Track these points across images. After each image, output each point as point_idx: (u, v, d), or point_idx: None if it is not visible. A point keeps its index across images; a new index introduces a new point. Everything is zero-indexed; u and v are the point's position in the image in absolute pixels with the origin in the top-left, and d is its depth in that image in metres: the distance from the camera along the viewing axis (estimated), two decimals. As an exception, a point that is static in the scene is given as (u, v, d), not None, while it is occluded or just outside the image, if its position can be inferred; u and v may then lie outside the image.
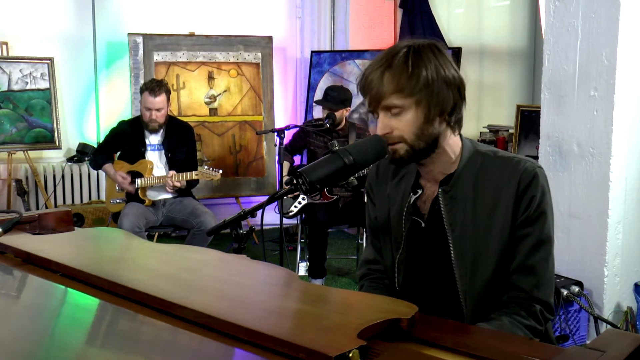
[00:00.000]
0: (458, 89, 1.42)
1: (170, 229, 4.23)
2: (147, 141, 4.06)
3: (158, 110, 3.93)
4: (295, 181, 1.36)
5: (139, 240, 1.65)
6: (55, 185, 5.06)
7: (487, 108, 5.52)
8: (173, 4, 5.39)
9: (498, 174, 1.45)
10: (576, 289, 2.94)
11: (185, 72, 5.18)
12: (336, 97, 4.14)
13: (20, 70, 4.77)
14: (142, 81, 4.87)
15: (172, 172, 3.88)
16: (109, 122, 4.92)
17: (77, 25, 5.15)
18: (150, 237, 4.63)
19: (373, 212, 1.65)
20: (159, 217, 4.04)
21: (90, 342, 1.05)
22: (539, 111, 3.26)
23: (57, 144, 4.90)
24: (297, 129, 4.29)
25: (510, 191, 1.42)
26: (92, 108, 5.28)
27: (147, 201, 3.99)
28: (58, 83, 5.00)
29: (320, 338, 0.95)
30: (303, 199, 3.96)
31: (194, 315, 1.07)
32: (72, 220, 1.81)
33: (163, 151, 4.08)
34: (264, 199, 1.56)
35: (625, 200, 3.01)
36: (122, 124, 4.18)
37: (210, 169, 3.92)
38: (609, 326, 2.93)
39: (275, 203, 3.49)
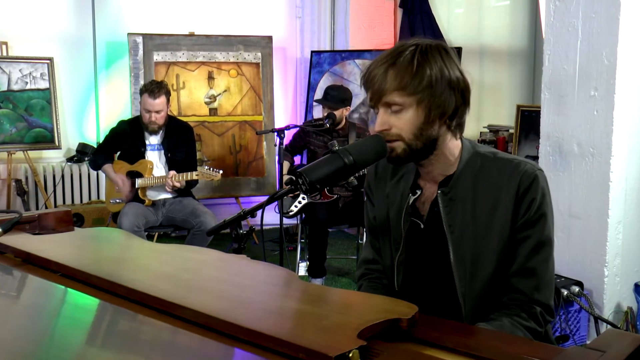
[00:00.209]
0: (462, 92, 1.41)
1: (170, 229, 4.23)
2: (146, 141, 4.06)
3: (157, 112, 3.93)
4: (295, 181, 1.36)
5: (139, 240, 1.64)
6: (55, 185, 5.06)
7: (487, 108, 5.52)
8: (173, 4, 5.39)
9: (498, 176, 1.44)
10: (576, 289, 2.94)
11: (185, 72, 5.18)
12: (336, 96, 4.14)
13: (20, 70, 4.77)
14: (142, 81, 4.87)
15: (172, 172, 3.88)
16: (108, 122, 4.92)
17: (77, 25, 5.15)
18: (150, 237, 4.63)
19: (372, 211, 1.65)
20: (158, 217, 4.04)
21: (90, 342, 1.05)
22: (539, 111, 3.26)
23: (57, 144, 4.90)
24: (297, 129, 4.28)
25: (510, 193, 1.41)
26: (91, 108, 5.28)
27: (147, 201, 3.99)
28: (58, 83, 5.00)
29: (320, 338, 0.95)
30: (303, 198, 3.95)
31: (193, 316, 1.06)
32: (71, 220, 1.81)
33: (163, 151, 4.07)
34: (264, 199, 1.55)
35: (626, 200, 3.01)
36: (121, 123, 4.17)
37: (211, 169, 3.92)
38: (609, 326, 2.93)
39: (275, 203, 3.49)
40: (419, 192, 1.52)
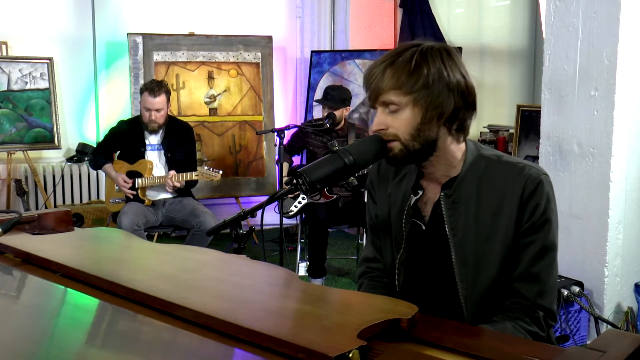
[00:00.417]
0: (463, 95, 1.39)
1: (170, 229, 4.23)
2: (146, 141, 4.06)
3: (157, 110, 3.93)
4: (295, 181, 1.36)
5: (139, 240, 1.64)
6: (54, 185, 5.06)
7: (487, 108, 5.52)
8: (173, 4, 5.39)
9: (502, 179, 1.43)
10: (577, 289, 2.94)
11: (185, 72, 5.18)
12: (336, 96, 4.14)
13: (19, 70, 4.77)
14: (141, 81, 4.87)
15: (172, 172, 3.88)
16: (108, 122, 4.92)
17: (76, 25, 5.15)
18: (150, 237, 4.63)
19: (374, 210, 1.64)
20: (158, 217, 4.04)
21: (90, 342, 1.05)
22: (540, 111, 3.26)
23: (57, 144, 4.90)
24: (296, 129, 4.28)
25: (515, 197, 1.40)
26: (91, 108, 5.28)
27: (146, 201, 3.99)
28: (58, 83, 5.00)
29: (320, 338, 0.95)
30: (303, 198, 3.96)
31: (193, 316, 1.06)
32: (71, 220, 1.81)
33: (162, 151, 4.07)
34: (264, 199, 1.55)
35: (626, 200, 3.01)
36: (121, 123, 4.17)
37: (211, 169, 3.91)
38: (609, 326, 2.93)
39: (275, 203, 3.49)
40: (420, 193, 1.51)
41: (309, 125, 4.25)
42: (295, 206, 3.94)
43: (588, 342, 3.06)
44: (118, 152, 4.20)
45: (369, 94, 1.42)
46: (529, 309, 1.41)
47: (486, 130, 5.20)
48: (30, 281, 1.36)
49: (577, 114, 3.05)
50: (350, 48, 5.63)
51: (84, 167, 5.12)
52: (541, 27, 4.78)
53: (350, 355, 0.90)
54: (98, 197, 5.22)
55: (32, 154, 4.86)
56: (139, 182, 3.96)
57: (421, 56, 1.37)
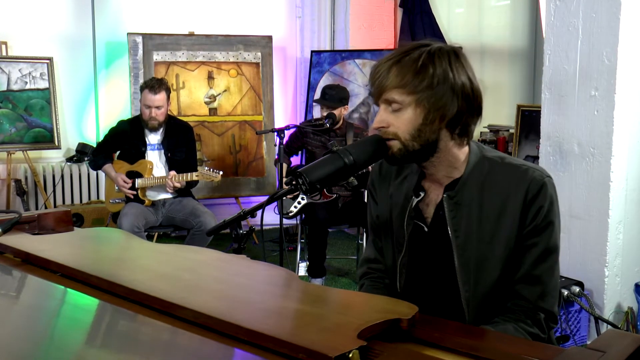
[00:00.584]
0: (467, 99, 1.38)
1: (170, 229, 4.23)
2: (147, 140, 4.05)
3: (158, 107, 3.93)
4: (295, 181, 1.36)
5: (139, 240, 1.64)
6: (54, 185, 5.06)
7: (487, 108, 5.44)
8: (173, 4, 5.39)
9: (505, 181, 1.42)
10: (577, 289, 2.93)
11: (185, 72, 5.18)
12: (334, 95, 4.14)
13: (19, 70, 4.77)
14: (141, 81, 4.86)
15: (172, 173, 3.88)
16: (108, 122, 4.91)
17: (76, 25, 5.15)
18: (149, 237, 4.63)
19: (375, 210, 1.63)
20: (158, 217, 4.04)
21: (89, 342, 1.05)
22: (540, 111, 3.26)
23: (57, 144, 4.90)
24: (295, 129, 4.28)
25: (518, 200, 1.39)
26: (91, 108, 5.28)
27: (146, 201, 3.99)
28: (57, 83, 4.99)
29: (320, 338, 0.95)
30: (302, 199, 3.95)
31: (193, 316, 1.06)
32: (71, 220, 1.81)
33: (163, 151, 4.07)
34: (263, 199, 1.55)
35: (626, 200, 3.01)
36: (121, 123, 4.17)
37: (211, 170, 3.91)
38: (609, 326, 2.92)
39: (275, 203, 3.48)
40: (422, 194, 1.50)
41: (309, 125, 4.24)
42: (295, 206, 3.93)
43: (588, 342, 3.06)
44: (118, 152, 4.20)
45: (373, 90, 1.42)
46: (530, 311, 1.40)
47: (486, 130, 5.20)
48: (30, 281, 1.36)
49: (577, 114, 3.04)
50: (350, 48, 5.63)
51: (84, 167, 5.12)
52: (541, 27, 4.78)
53: (350, 355, 0.90)
54: (98, 197, 5.22)
55: (32, 154, 4.86)
56: (139, 182, 3.96)
57: (428, 56, 1.36)
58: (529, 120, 4.67)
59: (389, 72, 1.37)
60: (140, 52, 5.02)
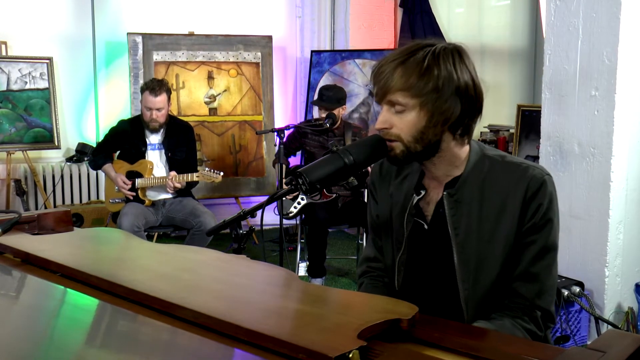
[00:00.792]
0: (470, 99, 1.37)
1: (170, 229, 4.23)
2: (147, 140, 4.05)
3: (159, 109, 3.93)
4: (295, 181, 1.36)
5: (139, 240, 1.64)
6: (54, 185, 5.05)
7: (487, 108, 5.44)
8: (172, 4, 5.39)
9: (505, 180, 1.42)
10: (577, 289, 2.93)
11: (185, 72, 5.17)
12: (332, 96, 4.14)
13: (19, 70, 4.77)
14: (141, 81, 4.87)
15: (173, 173, 3.88)
16: (108, 122, 4.91)
17: (76, 25, 5.15)
18: (149, 237, 4.62)
19: (375, 209, 1.63)
20: (158, 217, 4.04)
21: (89, 342, 1.04)
22: (540, 111, 3.26)
23: (56, 144, 4.89)
24: (292, 130, 4.27)
25: (518, 198, 1.39)
26: (91, 108, 5.28)
27: (146, 201, 3.99)
28: (57, 83, 4.99)
29: (320, 338, 0.95)
30: (302, 199, 3.94)
31: (193, 316, 1.06)
32: (71, 220, 1.81)
33: (163, 150, 4.07)
34: (263, 199, 1.55)
35: (627, 200, 3.00)
36: (122, 123, 4.17)
37: (212, 170, 3.91)
38: (609, 327, 2.92)
39: (275, 204, 3.48)
40: (423, 193, 1.50)
41: (308, 126, 4.24)
42: (295, 207, 3.92)
43: (588, 343, 3.05)
44: (118, 152, 4.20)
45: (376, 90, 1.41)
46: (527, 309, 1.41)
47: (486, 130, 5.20)
48: (29, 281, 1.35)
49: (577, 114, 3.04)
50: (350, 48, 5.63)
51: (84, 167, 5.12)
52: (541, 27, 4.78)
53: (351, 355, 0.90)
54: (98, 197, 5.22)
55: (32, 153, 4.85)
56: (139, 182, 3.95)
57: (433, 58, 1.35)
58: (529, 120, 4.67)
59: (394, 74, 1.36)
60: (140, 52, 5.02)
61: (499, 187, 1.42)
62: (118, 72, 5.26)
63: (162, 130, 4.05)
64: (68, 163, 5.10)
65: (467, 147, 1.46)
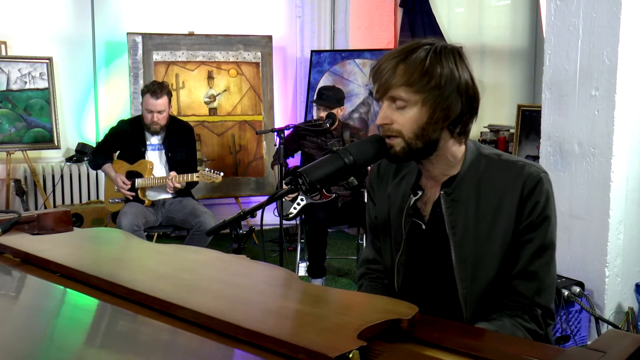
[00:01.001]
0: (469, 100, 1.39)
1: (170, 229, 4.23)
2: (147, 141, 4.05)
3: (160, 112, 3.93)
4: (295, 181, 1.35)
5: (138, 240, 1.64)
6: (54, 185, 5.05)
7: (487, 108, 5.51)
8: (172, 4, 5.38)
9: (502, 178, 1.42)
10: (577, 289, 2.93)
11: (185, 72, 5.17)
12: (331, 96, 4.15)
13: (19, 70, 4.77)
14: (141, 81, 4.87)
15: (173, 174, 3.88)
16: (108, 122, 4.91)
17: (76, 25, 5.15)
18: (149, 237, 4.62)
19: (373, 211, 1.64)
20: (158, 217, 4.04)
21: (89, 342, 1.04)
22: (540, 111, 3.26)
23: (56, 144, 4.89)
24: (290, 131, 4.27)
25: (514, 196, 1.40)
26: (91, 108, 5.28)
27: (146, 201, 3.99)
28: (57, 83, 4.99)
29: (320, 338, 0.95)
30: (302, 199, 3.94)
31: (193, 316, 1.06)
32: (71, 220, 1.81)
33: (163, 151, 4.07)
34: (263, 199, 1.55)
35: (627, 200, 3.00)
36: (122, 123, 4.17)
37: (212, 171, 3.91)
38: (610, 327, 2.92)
39: (275, 204, 3.48)
40: (420, 193, 1.51)
41: (309, 126, 4.24)
42: (295, 208, 3.92)
43: (589, 343, 3.05)
44: (118, 152, 4.20)
45: (377, 87, 1.41)
46: (527, 307, 1.41)
47: (487, 130, 5.20)
48: (29, 281, 1.35)
49: (577, 114, 3.04)
50: (350, 48, 5.63)
51: (84, 167, 5.12)
52: (542, 27, 4.78)
53: (351, 355, 0.90)
54: (97, 197, 5.22)
55: (32, 153, 4.85)
56: (138, 182, 3.95)
57: (435, 55, 1.36)
58: (529, 120, 4.67)
59: (396, 70, 1.37)
60: (140, 51, 5.02)
61: (495, 185, 1.43)
62: (118, 72, 5.26)
63: (162, 130, 4.05)
64: (68, 163, 5.10)
65: (463, 147, 1.47)
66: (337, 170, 1.36)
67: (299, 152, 4.40)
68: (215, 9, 5.51)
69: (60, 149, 4.98)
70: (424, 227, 1.51)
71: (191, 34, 5.20)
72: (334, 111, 4.13)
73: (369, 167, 1.62)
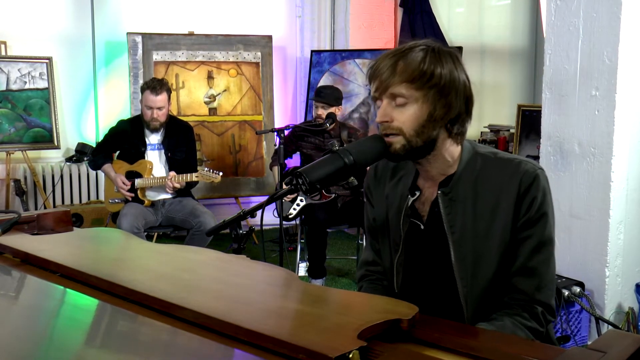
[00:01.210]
0: (466, 100, 1.41)
1: (170, 229, 4.23)
2: (147, 140, 4.05)
3: (159, 108, 3.93)
4: (295, 181, 1.35)
5: (138, 240, 1.64)
6: (53, 185, 5.05)
7: (488, 108, 5.52)
8: (172, 3, 5.38)
9: (498, 176, 1.43)
10: (577, 289, 2.93)
11: (185, 72, 5.17)
12: (330, 94, 4.15)
13: (18, 70, 4.77)
14: (141, 81, 4.86)
15: (172, 174, 3.88)
16: (108, 122, 4.91)
17: (75, 25, 5.15)
18: (149, 238, 4.62)
19: (371, 213, 1.64)
20: (158, 217, 4.04)
21: (89, 342, 1.04)
22: (540, 111, 3.26)
23: (56, 144, 4.89)
24: (289, 132, 4.26)
25: (511, 193, 1.41)
26: (91, 108, 5.28)
27: (146, 201, 3.98)
28: (57, 82, 4.99)
29: (320, 339, 0.95)
30: (302, 200, 3.94)
31: (193, 316, 1.06)
32: (70, 220, 1.80)
33: (163, 150, 4.07)
34: (263, 199, 1.55)
35: (627, 200, 3.00)
36: (122, 123, 4.17)
37: (211, 171, 3.91)
38: (610, 327, 2.92)
39: (275, 204, 3.47)
40: (417, 193, 1.51)
41: (308, 126, 4.24)
42: (294, 208, 3.93)
43: (589, 343, 3.05)
44: (118, 152, 4.19)
45: (377, 85, 1.41)
46: (527, 304, 1.41)
47: (487, 130, 5.19)
48: (29, 281, 1.35)
49: (578, 114, 3.04)
50: (350, 48, 5.63)
51: (83, 167, 5.12)
52: (542, 27, 4.78)
53: (351, 355, 0.90)
54: (97, 197, 5.22)
55: (31, 153, 4.85)
56: (138, 182, 3.95)
57: (434, 55, 1.38)
58: (529, 120, 4.67)
59: (395, 67, 1.38)
60: (140, 51, 5.02)
61: (492, 183, 1.43)
62: (118, 72, 5.26)
63: (161, 130, 4.05)
64: (68, 163, 5.10)
65: (460, 147, 1.48)
66: (337, 170, 1.36)
67: (297, 153, 4.40)
68: (215, 9, 5.51)
69: (60, 149, 4.98)
70: (422, 227, 1.51)
71: (191, 34, 5.20)
72: (333, 109, 4.13)
73: (368, 168, 1.62)
